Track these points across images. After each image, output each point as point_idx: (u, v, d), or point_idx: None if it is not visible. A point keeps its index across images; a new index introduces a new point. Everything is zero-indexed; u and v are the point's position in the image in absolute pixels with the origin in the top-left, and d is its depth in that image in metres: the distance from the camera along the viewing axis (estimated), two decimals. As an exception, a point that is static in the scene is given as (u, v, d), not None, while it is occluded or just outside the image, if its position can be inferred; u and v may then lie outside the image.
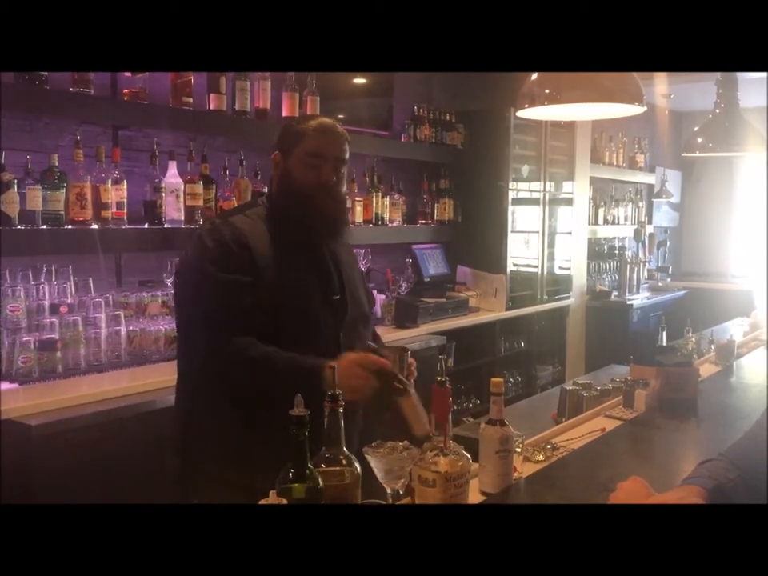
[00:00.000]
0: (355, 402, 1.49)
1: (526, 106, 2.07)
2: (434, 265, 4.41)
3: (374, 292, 3.85)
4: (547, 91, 1.98)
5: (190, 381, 1.74)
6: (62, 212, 2.52)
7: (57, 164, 2.53)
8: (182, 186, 2.88)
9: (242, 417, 1.63)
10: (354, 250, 3.69)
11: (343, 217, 1.81)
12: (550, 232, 5.04)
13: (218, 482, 1.62)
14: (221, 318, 1.60)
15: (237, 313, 1.59)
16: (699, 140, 3.87)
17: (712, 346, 3.12)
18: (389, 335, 3.59)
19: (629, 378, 2.41)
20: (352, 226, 3.76)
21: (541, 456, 1.77)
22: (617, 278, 6.01)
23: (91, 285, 2.69)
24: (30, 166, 2.49)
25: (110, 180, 2.65)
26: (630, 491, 1.29)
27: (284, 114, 3.38)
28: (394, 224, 4.08)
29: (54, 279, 2.58)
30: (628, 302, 5.61)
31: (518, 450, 1.63)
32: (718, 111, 3.77)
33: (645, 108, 2.03)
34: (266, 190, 1.91)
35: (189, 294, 1.71)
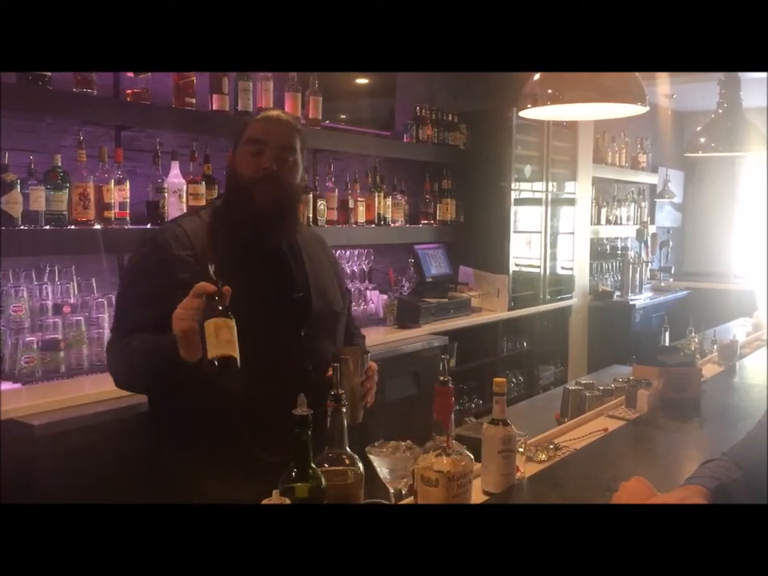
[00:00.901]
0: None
1: (529, 106, 2.06)
2: (436, 265, 4.40)
3: (377, 292, 3.88)
4: (550, 91, 1.98)
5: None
6: (65, 212, 2.52)
7: (60, 164, 2.53)
8: (185, 186, 2.88)
9: (203, 427, 1.58)
10: (357, 251, 3.77)
11: (291, 207, 1.69)
12: (553, 232, 5.04)
13: (187, 494, 1.56)
14: (135, 315, 1.55)
15: (158, 311, 1.47)
16: (702, 140, 3.87)
17: (715, 346, 3.12)
18: (391, 335, 3.59)
19: (631, 378, 2.41)
20: (354, 226, 3.76)
21: (543, 456, 1.77)
22: (619, 278, 6.01)
23: (94, 285, 2.69)
24: (33, 166, 2.50)
25: (112, 180, 2.65)
26: (632, 491, 1.29)
27: (286, 114, 3.38)
28: (397, 224, 4.08)
29: (56, 279, 2.58)
30: (630, 303, 5.60)
31: (521, 449, 1.63)
32: (720, 111, 3.77)
33: (648, 108, 2.03)
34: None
35: (119, 291, 1.72)
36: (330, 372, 1.63)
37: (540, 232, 4.90)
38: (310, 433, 1.18)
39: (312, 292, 1.72)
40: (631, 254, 6.17)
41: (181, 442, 1.62)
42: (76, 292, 2.62)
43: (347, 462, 1.27)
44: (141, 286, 1.58)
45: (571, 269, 5.28)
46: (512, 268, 4.58)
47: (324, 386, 1.56)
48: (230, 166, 1.69)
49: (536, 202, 4.87)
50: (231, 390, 1.45)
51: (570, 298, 5.23)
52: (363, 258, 3.82)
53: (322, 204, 3.55)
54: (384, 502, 1.39)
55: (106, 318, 2.59)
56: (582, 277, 5.44)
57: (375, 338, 3.51)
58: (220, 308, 1.34)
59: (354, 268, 3.78)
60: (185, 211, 2.86)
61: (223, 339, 1.31)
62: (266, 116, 1.69)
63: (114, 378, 1.63)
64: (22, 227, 2.42)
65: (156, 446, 1.70)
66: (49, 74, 2.46)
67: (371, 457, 1.36)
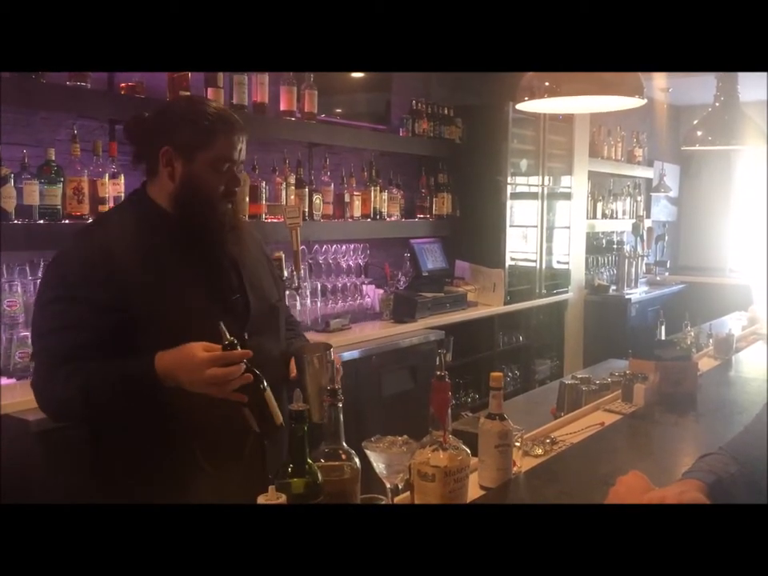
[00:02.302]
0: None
1: (526, 98, 2.06)
2: (432, 259, 4.40)
3: (373, 287, 3.87)
4: (547, 84, 1.98)
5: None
6: (59, 207, 2.51)
7: (54, 158, 2.52)
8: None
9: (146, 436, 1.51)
10: (352, 245, 3.76)
11: (239, 220, 1.66)
12: (549, 226, 5.04)
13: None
14: (64, 341, 1.44)
15: (90, 334, 1.43)
16: (699, 133, 3.87)
17: (710, 340, 3.12)
18: (387, 330, 3.59)
19: (627, 372, 2.41)
20: (350, 220, 3.76)
21: (540, 450, 1.77)
22: (615, 272, 6.01)
23: (89, 280, 2.68)
24: (26, 160, 2.48)
25: (107, 174, 2.64)
26: (629, 485, 1.29)
27: (282, 108, 3.37)
28: (392, 218, 4.07)
29: (51, 274, 2.57)
30: (626, 297, 5.61)
31: (518, 444, 1.63)
32: (717, 104, 3.77)
33: (645, 101, 2.03)
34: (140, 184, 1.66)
35: (35, 318, 1.55)
36: (294, 373, 1.62)
37: (536, 226, 4.90)
38: (306, 428, 1.17)
39: (248, 291, 1.63)
40: (627, 248, 6.18)
41: (123, 457, 1.54)
42: (70, 287, 2.61)
43: (344, 457, 1.26)
44: (63, 312, 1.46)
45: (567, 263, 5.28)
46: (508, 262, 4.58)
47: (275, 384, 1.53)
48: (185, 177, 1.54)
49: (532, 196, 4.87)
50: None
51: (566, 292, 5.23)
52: (359, 253, 3.81)
53: (317, 198, 3.54)
54: (381, 497, 1.38)
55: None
56: (577, 271, 5.44)
57: (371, 332, 3.51)
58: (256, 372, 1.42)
59: (350, 262, 3.77)
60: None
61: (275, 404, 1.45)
62: (233, 128, 1.57)
63: (56, 411, 1.52)
64: (16, 222, 2.41)
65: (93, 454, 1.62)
66: (42, 67, 2.45)
67: (368, 452, 1.35)
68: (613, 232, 6.33)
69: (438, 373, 1.40)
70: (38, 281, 2.49)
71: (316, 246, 3.61)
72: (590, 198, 5.74)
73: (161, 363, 1.41)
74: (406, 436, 1.40)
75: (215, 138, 1.53)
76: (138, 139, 1.59)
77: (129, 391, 1.42)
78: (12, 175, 2.40)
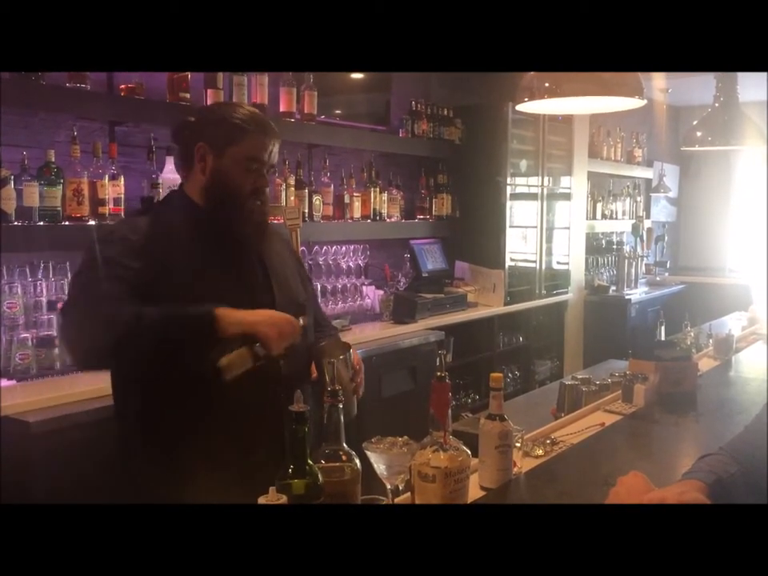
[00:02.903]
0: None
1: (526, 99, 2.06)
2: (432, 260, 4.40)
3: (373, 288, 3.87)
4: (547, 84, 1.98)
5: (119, 393, 1.70)
6: (59, 208, 2.51)
7: (53, 160, 2.51)
8: (180, 182, 2.87)
9: (169, 429, 1.57)
10: (352, 246, 3.76)
11: (267, 218, 1.73)
12: (548, 227, 5.04)
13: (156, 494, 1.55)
14: (108, 287, 1.48)
15: (127, 294, 1.48)
16: (698, 134, 3.87)
17: (710, 341, 3.12)
18: (387, 331, 3.59)
19: (627, 372, 2.41)
20: (350, 221, 3.76)
21: (540, 451, 1.77)
22: (615, 272, 6.01)
23: (89, 281, 2.68)
24: (26, 162, 2.48)
25: (106, 176, 2.64)
26: (630, 486, 1.29)
27: (281, 109, 3.37)
28: (392, 219, 4.07)
29: (51, 276, 2.57)
30: (626, 297, 5.61)
31: (518, 444, 1.63)
32: (717, 105, 3.77)
33: (645, 101, 2.03)
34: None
35: (76, 277, 1.62)
36: (315, 374, 1.63)
37: (536, 227, 4.90)
38: (306, 429, 1.17)
39: (275, 288, 1.69)
40: (627, 248, 6.18)
41: (152, 440, 1.60)
42: (70, 288, 2.61)
43: (344, 458, 1.26)
44: (104, 273, 1.52)
45: (567, 263, 5.28)
46: (508, 263, 4.58)
47: (297, 379, 1.58)
48: (215, 172, 1.62)
49: (532, 196, 4.87)
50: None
51: (566, 292, 5.23)
52: (359, 254, 3.81)
53: (317, 199, 3.54)
54: (381, 498, 1.38)
55: (101, 315, 2.58)
56: (577, 271, 5.44)
57: (371, 333, 3.50)
58: None
59: (350, 263, 3.77)
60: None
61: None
62: (266, 130, 1.64)
63: (88, 345, 1.52)
64: (16, 223, 2.41)
65: (124, 444, 1.69)
66: (42, 68, 2.45)
67: (368, 453, 1.35)
68: (612, 232, 6.33)
69: (438, 373, 1.40)
70: (39, 282, 2.51)
71: (316, 246, 3.61)
72: (589, 199, 5.74)
73: (221, 308, 1.46)
74: (406, 437, 1.40)
75: (245, 135, 1.60)
76: (180, 140, 1.67)
77: (183, 324, 1.45)
78: (12, 177, 2.40)
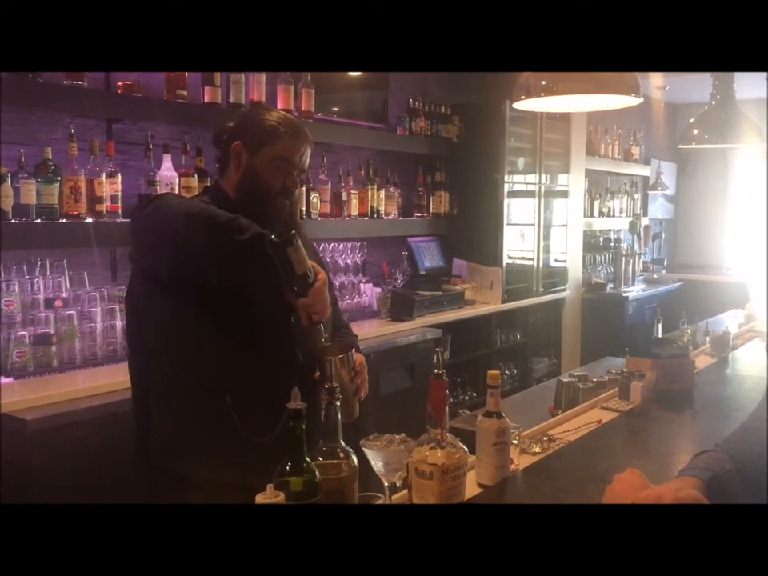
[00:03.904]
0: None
1: (523, 97, 2.06)
2: (429, 258, 4.40)
3: (370, 285, 3.87)
4: (544, 82, 1.98)
5: (138, 382, 1.70)
6: (57, 206, 2.51)
7: (50, 157, 2.51)
8: (177, 180, 2.87)
9: (199, 412, 1.59)
10: (350, 244, 3.76)
11: (296, 218, 1.78)
12: (546, 224, 5.04)
13: (180, 482, 1.56)
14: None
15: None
16: (695, 131, 3.88)
17: (707, 338, 3.13)
18: (385, 328, 3.59)
19: (624, 369, 2.41)
20: (348, 218, 3.76)
21: (537, 448, 1.78)
22: (612, 270, 6.02)
23: (86, 279, 2.68)
24: (23, 159, 2.48)
25: (104, 173, 2.64)
26: (626, 483, 1.29)
27: (279, 106, 3.37)
28: (390, 217, 4.07)
29: (48, 273, 2.57)
30: (623, 294, 5.62)
31: (515, 442, 1.63)
32: (714, 103, 3.77)
33: (642, 99, 2.03)
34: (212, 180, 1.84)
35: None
36: (318, 374, 1.64)
37: (533, 224, 4.91)
38: (304, 426, 1.18)
39: None
40: (624, 246, 6.19)
41: (168, 427, 1.62)
42: (68, 286, 2.61)
43: (341, 455, 1.27)
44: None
45: (564, 261, 5.29)
46: (505, 260, 4.58)
47: (314, 371, 1.59)
48: (248, 169, 1.68)
49: (529, 194, 4.87)
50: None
51: (563, 290, 5.24)
52: (356, 251, 3.81)
53: (315, 197, 3.54)
54: (378, 495, 1.39)
55: (98, 312, 2.58)
56: (575, 269, 5.45)
57: (369, 330, 3.51)
58: None
59: (348, 261, 3.77)
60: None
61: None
62: (297, 132, 1.70)
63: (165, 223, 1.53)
64: (13, 221, 2.40)
65: (142, 433, 1.68)
66: (39, 66, 2.44)
67: (365, 450, 1.36)
68: (610, 230, 6.34)
69: (436, 371, 1.41)
70: (36, 280, 2.50)
71: (313, 244, 3.60)
72: (587, 196, 5.74)
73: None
74: (403, 434, 1.40)
75: (278, 137, 1.68)
76: (220, 140, 1.76)
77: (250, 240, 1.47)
78: (9, 174, 2.40)
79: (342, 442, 1.28)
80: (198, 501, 1.40)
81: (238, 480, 1.19)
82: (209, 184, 2.97)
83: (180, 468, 1.57)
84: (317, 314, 1.52)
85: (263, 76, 3.24)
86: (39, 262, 2.56)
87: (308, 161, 1.75)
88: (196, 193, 2.88)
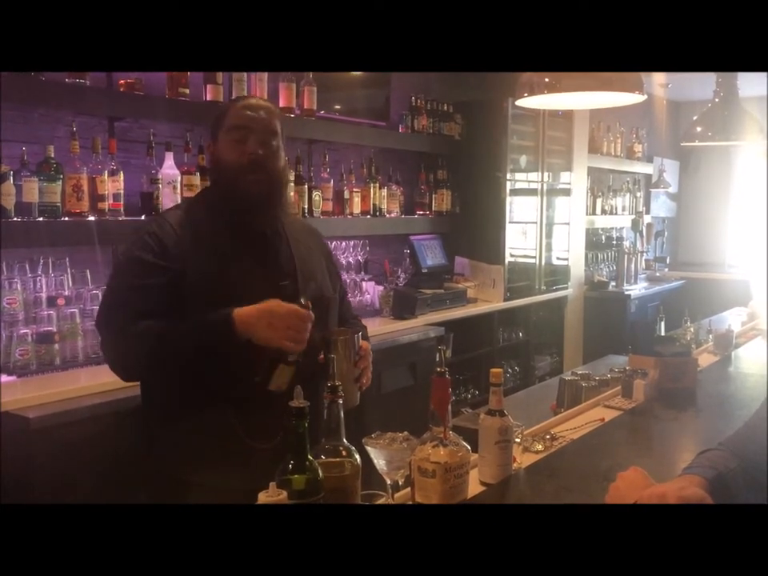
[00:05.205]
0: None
1: (526, 94, 2.06)
2: (431, 256, 4.40)
3: (372, 283, 3.87)
4: (547, 80, 1.98)
5: (144, 384, 1.72)
6: (59, 204, 2.51)
7: (53, 155, 2.51)
8: (179, 178, 2.87)
9: (194, 415, 1.60)
10: (352, 242, 3.75)
11: (277, 192, 1.70)
12: (548, 222, 5.03)
13: (180, 484, 1.58)
14: (135, 302, 1.55)
15: (156, 300, 1.55)
16: (698, 129, 3.86)
17: (710, 336, 3.12)
18: (387, 326, 3.59)
19: (627, 368, 2.41)
20: (350, 217, 3.75)
21: (540, 446, 1.77)
22: (614, 268, 6.01)
23: (88, 277, 2.68)
24: (25, 157, 2.48)
25: (106, 171, 2.63)
26: (629, 481, 1.29)
27: (281, 104, 3.37)
28: (392, 215, 4.07)
29: (50, 271, 2.57)
30: (626, 293, 5.61)
31: (518, 440, 1.63)
32: (717, 100, 3.76)
33: (645, 96, 2.03)
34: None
35: (110, 283, 1.69)
36: (322, 357, 1.63)
37: (535, 222, 4.90)
38: (306, 424, 1.17)
39: (299, 278, 1.71)
40: (626, 244, 6.18)
41: (173, 434, 1.63)
42: (70, 284, 2.61)
43: (344, 453, 1.26)
44: (132, 279, 1.59)
45: (567, 259, 5.28)
46: (507, 258, 4.58)
47: (314, 372, 1.58)
48: (213, 155, 1.71)
49: (531, 192, 4.87)
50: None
51: (566, 288, 5.23)
52: (359, 249, 3.81)
53: (317, 195, 3.54)
54: (381, 493, 1.38)
55: (101, 310, 2.58)
56: (577, 267, 5.44)
57: (371, 329, 3.45)
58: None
59: (350, 259, 3.77)
60: (179, 203, 2.85)
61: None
62: (246, 103, 1.70)
63: (124, 364, 1.60)
64: (15, 219, 2.40)
65: (147, 439, 1.70)
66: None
67: (368, 448, 1.36)
68: (612, 228, 6.33)
69: (438, 369, 1.40)
70: (38, 278, 2.50)
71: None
72: (589, 194, 5.74)
73: (240, 313, 1.50)
74: (406, 432, 1.40)
75: (227, 112, 1.69)
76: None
77: (206, 335, 1.52)
78: (11, 172, 2.40)
79: (344, 440, 1.28)
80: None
81: (246, 485, 1.20)
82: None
83: (185, 476, 1.58)
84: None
85: (265, 74, 3.23)
86: (41, 260, 2.56)
87: (273, 125, 1.68)
88: (198, 190, 2.90)
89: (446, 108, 4.43)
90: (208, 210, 1.70)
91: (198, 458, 1.58)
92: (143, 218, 2.80)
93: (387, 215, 4.03)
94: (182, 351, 1.53)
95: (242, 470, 1.50)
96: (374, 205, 3.92)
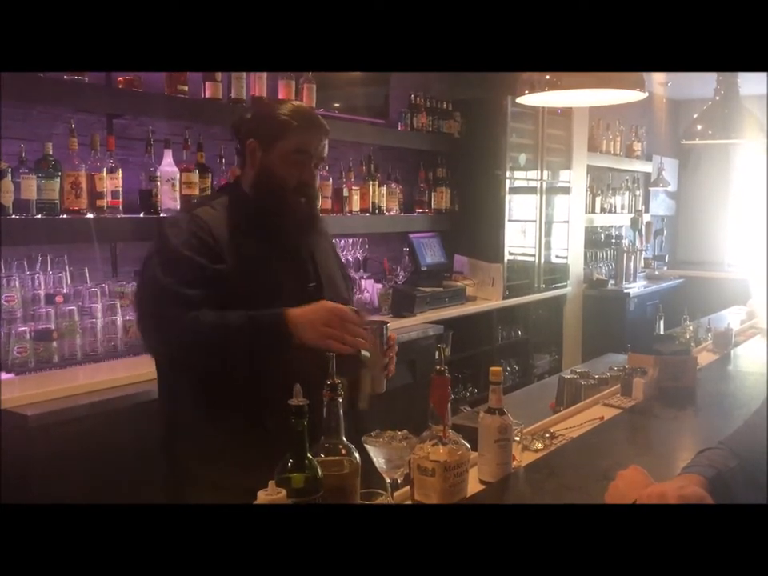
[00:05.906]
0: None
1: (526, 92, 2.05)
2: (431, 254, 4.40)
3: (371, 281, 3.87)
4: (548, 77, 1.97)
5: (166, 376, 1.72)
6: (57, 201, 2.50)
7: (51, 153, 2.50)
8: (178, 175, 2.86)
9: (223, 414, 1.60)
10: (351, 240, 3.75)
11: (316, 212, 1.79)
12: (547, 221, 5.03)
13: (202, 483, 1.59)
14: (181, 295, 1.54)
15: (200, 293, 1.55)
16: (699, 127, 3.86)
17: (709, 335, 3.12)
18: (386, 324, 3.58)
19: (627, 366, 2.41)
20: (349, 214, 3.75)
21: (539, 445, 1.77)
22: (614, 266, 6.01)
23: (87, 274, 2.67)
24: (24, 154, 2.47)
25: (104, 169, 2.63)
26: (629, 480, 1.28)
27: (280, 102, 3.36)
28: (391, 213, 4.07)
29: (49, 269, 2.56)
30: (625, 291, 5.61)
31: (517, 438, 1.63)
32: (717, 98, 3.76)
33: (646, 94, 2.02)
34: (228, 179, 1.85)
35: (150, 276, 1.64)
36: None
37: (535, 221, 4.90)
38: (305, 423, 1.17)
39: (323, 282, 1.77)
40: (625, 242, 6.18)
41: (194, 427, 1.64)
42: (69, 281, 2.60)
43: (343, 452, 1.26)
44: (189, 265, 1.58)
45: (566, 257, 5.28)
46: (507, 257, 4.58)
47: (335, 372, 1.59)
48: (262, 163, 1.69)
49: (531, 190, 4.86)
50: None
51: (565, 286, 5.23)
52: (358, 247, 3.81)
53: (316, 193, 3.53)
54: (380, 491, 1.38)
55: (99, 308, 2.58)
56: (576, 265, 5.44)
57: (370, 327, 3.50)
58: None
59: (349, 257, 3.76)
60: (177, 200, 2.84)
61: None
62: (310, 122, 1.71)
63: (190, 349, 1.57)
64: (14, 216, 2.40)
65: (166, 433, 1.71)
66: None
67: (367, 447, 1.35)
68: (611, 226, 6.33)
69: (438, 367, 1.40)
70: (37, 275, 2.50)
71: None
72: (588, 193, 5.73)
73: (293, 312, 1.52)
74: (405, 431, 1.39)
75: (291, 129, 1.67)
76: (237, 136, 1.76)
77: (260, 331, 1.52)
78: (9, 170, 2.39)
79: (344, 438, 1.27)
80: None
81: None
82: (210, 180, 2.99)
83: (208, 475, 1.58)
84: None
85: (264, 72, 3.23)
86: (40, 258, 2.55)
87: (326, 150, 1.75)
88: (196, 190, 2.89)
89: (445, 106, 4.43)
90: (242, 211, 1.69)
91: (223, 458, 1.58)
92: (141, 215, 2.80)
93: (386, 213, 4.02)
94: (236, 343, 1.53)
95: (269, 472, 1.50)
96: (374, 203, 3.92)
